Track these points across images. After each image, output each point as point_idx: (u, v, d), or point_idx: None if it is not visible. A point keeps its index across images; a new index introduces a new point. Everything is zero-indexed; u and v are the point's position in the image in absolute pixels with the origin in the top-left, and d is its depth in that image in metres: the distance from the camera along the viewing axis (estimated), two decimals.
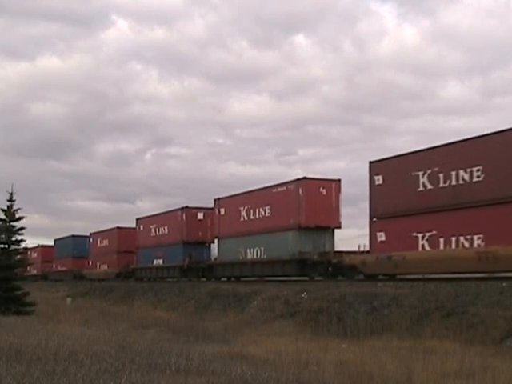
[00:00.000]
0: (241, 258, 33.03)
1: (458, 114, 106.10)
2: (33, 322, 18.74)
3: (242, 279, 33.63)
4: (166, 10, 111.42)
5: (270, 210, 30.57)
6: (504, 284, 17.21)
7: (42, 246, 72.06)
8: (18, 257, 25.87)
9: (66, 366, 9.16)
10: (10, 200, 24.56)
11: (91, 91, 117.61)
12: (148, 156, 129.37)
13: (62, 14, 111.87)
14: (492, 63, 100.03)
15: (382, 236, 23.84)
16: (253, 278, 32.55)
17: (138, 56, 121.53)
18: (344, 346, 14.71)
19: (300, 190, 28.64)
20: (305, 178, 28.82)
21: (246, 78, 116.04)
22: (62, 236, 66.07)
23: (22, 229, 24.98)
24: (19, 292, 24.12)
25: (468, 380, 9.98)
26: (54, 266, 67.06)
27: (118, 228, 51.08)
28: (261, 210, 31.32)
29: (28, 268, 71.21)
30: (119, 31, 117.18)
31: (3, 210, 24.71)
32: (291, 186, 29.34)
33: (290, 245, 28.95)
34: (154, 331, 17.67)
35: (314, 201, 28.47)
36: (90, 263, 56.59)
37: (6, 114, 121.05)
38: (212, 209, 37.16)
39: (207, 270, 37.18)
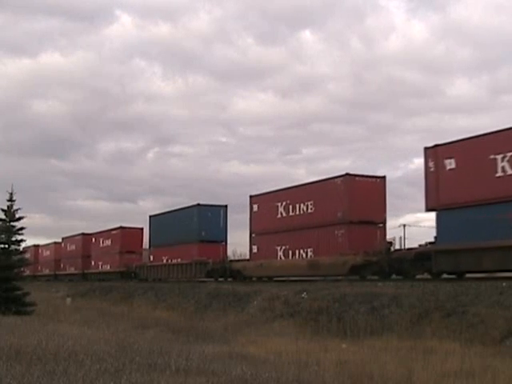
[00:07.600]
0: None
1: (465, 112, 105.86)
2: (33, 322, 18.69)
3: None
4: (171, 5, 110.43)
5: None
6: (504, 284, 17.22)
7: (122, 227, 49.23)
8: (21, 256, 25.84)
9: (65, 366, 9.15)
10: (10, 200, 24.52)
11: (94, 88, 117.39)
12: (150, 155, 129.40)
13: (65, 9, 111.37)
14: (500, 60, 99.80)
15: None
16: None
17: (142, 52, 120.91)
18: (344, 345, 14.72)
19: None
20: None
21: (250, 75, 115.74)
22: (164, 211, 44.43)
23: (22, 229, 24.94)
24: (19, 292, 24.10)
25: (468, 380, 9.98)
26: (151, 257, 43.52)
27: (348, 175, 26.87)
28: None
29: (92, 262, 53.54)
30: (123, 27, 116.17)
31: (3, 210, 24.67)
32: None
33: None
34: (154, 331, 17.65)
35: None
36: (256, 250, 32.42)
37: (7, 112, 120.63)
38: None
39: None
